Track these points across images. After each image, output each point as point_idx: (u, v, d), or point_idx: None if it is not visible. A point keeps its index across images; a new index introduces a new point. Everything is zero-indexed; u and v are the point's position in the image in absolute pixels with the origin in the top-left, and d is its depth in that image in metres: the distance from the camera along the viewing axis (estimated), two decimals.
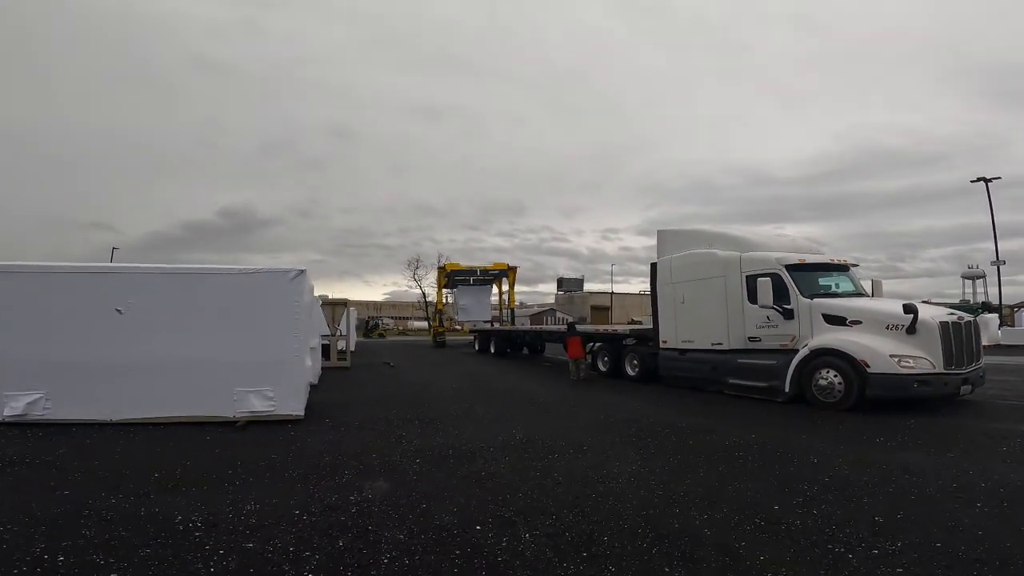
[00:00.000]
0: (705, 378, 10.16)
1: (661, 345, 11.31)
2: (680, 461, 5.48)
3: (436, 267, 32.58)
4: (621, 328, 14.18)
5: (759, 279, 8.96)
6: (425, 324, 48.89)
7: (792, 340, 8.79)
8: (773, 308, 8.85)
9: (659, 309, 11.43)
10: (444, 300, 31.59)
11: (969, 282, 55.54)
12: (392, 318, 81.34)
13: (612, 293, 64.23)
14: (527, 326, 25.77)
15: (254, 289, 7.52)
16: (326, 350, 16.25)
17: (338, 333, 16.81)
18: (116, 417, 7.22)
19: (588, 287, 67.41)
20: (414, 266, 53.64)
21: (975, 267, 55.57)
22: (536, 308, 61.70)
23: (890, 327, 7.90)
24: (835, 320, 8.40)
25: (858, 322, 8.18)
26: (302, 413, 7.65)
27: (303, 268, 7.69)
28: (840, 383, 7.96)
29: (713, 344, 9.94)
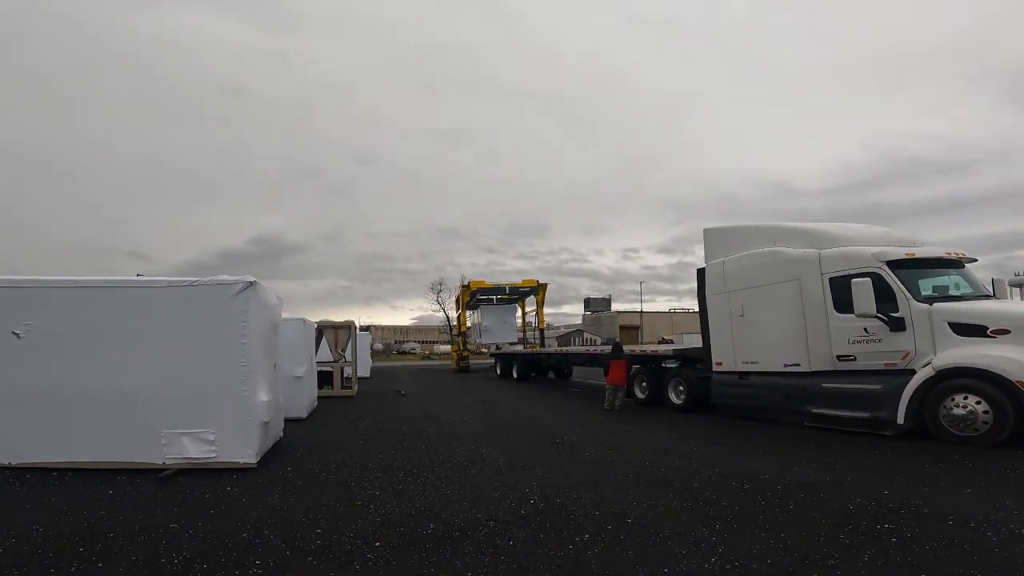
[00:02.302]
0: (775, 407, 8.00)
1: (714, 368, 9.20)
2: (788, 546, 3.42)
3: (460, 285, 29.38)
4: (662, 348, 12.07)
5: (854, 281, 6.84)
6: (450, 348, 46.90)
7: (904, 358, 6.61)
8: (877, 317, 6.71)
9: (711, 324, 9.35)
10: (467, 321, 29.63)
11: (1017, 290, 50.42)
12: (418, 342, 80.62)
13: (642, 312, 61.47)
14: (553, 348, 23.60)
15: (188, 306, 5.88)
16: (329, 377, 14.63)
17: (342, 359, 15.14)
18: (16, 460, 5.69)
19: (614, 307, 64.77)
20: (437, 289, 52.41)
21: (1021, 274, 50.72)
22: (563, 329, 59.37)
23: None
24: (970, 330, 6.20)
25: (1005, 331, 5.97)
26: (254, 460, 5.88)
27: (252, 280, 6.03)
28: (985, 412, 5.76)
29: (787, 365, 7.79)
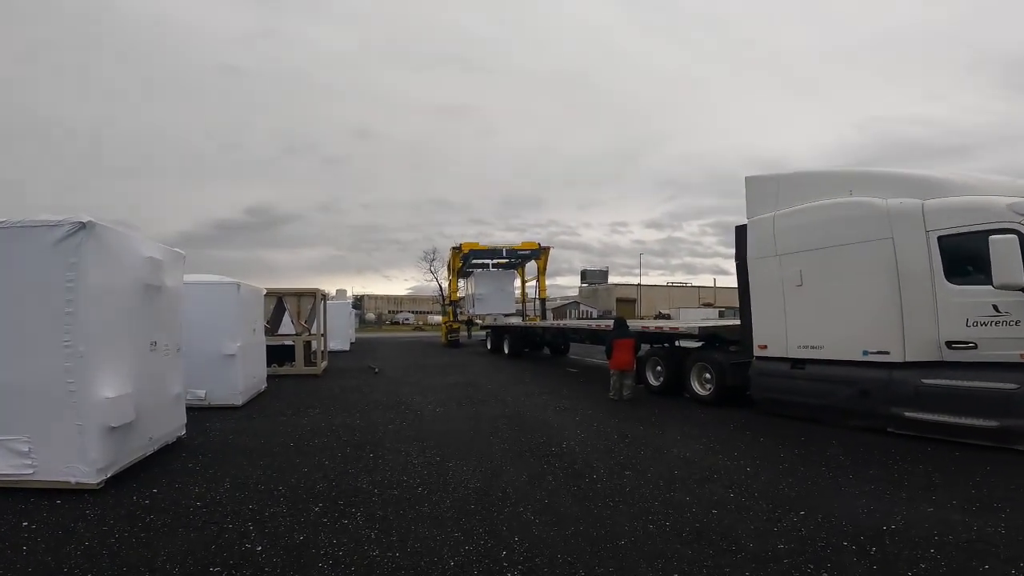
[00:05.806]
0: (847, 408, 6.05)
1: (756, 352, 7.23)
2: None
3: (451, 248, 25.92)
4: (684, 326, 10.06)
5: (994, 239, 4.75)
6: (441, 319, 44.54)
7: None
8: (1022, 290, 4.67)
9: (753, 296, 7.33)
10: (459, 289, 26.96)
11: None
12: (412, 312, 79.00)
13: (640, 285, 59.48)
14: (549, 322, 21.46)
15: None
16: (291, 352, 12.65)
17: (305, 332, 13.11)
18: None
19: (609, 279, 62.64)
20: (430, 258, 49.92)
21: None
22: (559, 301, 57.30)
23: None
24: None
25: None
26: (94, 480, 3.89)
27: (85, 220, 3.92)
28: None
29: (868, 352, 5.80)
